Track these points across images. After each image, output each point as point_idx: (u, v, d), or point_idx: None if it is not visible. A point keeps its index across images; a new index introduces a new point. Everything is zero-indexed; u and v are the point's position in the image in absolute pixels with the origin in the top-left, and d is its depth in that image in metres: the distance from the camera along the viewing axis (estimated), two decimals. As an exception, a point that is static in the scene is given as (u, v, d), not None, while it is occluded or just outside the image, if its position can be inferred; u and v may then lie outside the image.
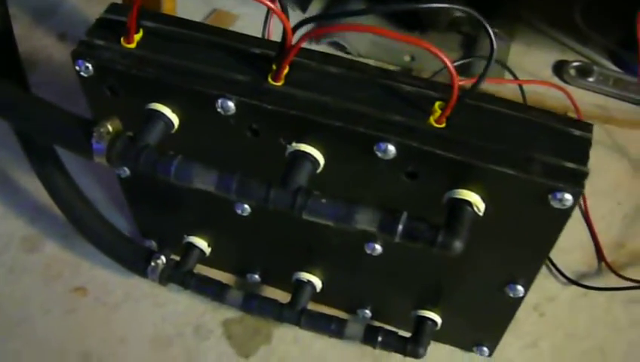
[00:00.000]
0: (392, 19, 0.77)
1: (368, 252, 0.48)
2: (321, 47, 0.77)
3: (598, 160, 0.67)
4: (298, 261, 0.53)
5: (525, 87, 0.68)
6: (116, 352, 0.56)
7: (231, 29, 0.51)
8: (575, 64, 0.74)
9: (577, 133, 0.39)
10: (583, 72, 0.74)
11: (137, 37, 0.43)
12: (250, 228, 0.52)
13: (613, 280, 0.59)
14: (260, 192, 0.39)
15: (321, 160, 0.41)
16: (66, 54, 0.80)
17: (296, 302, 0.52)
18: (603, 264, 0.61)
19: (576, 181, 0.37)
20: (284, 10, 0.39)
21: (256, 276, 0.58)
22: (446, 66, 0.36)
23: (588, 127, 0.39)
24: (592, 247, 0.62)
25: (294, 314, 0.52)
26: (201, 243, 0.55)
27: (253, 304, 0.53)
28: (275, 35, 0.44)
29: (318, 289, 0.54)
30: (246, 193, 0.39)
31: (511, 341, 0.56)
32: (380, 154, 0.39)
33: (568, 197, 0.37)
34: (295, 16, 0.72)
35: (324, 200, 0.38)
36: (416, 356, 0.51)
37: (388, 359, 0.55)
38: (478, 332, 0.53)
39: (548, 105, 0.68)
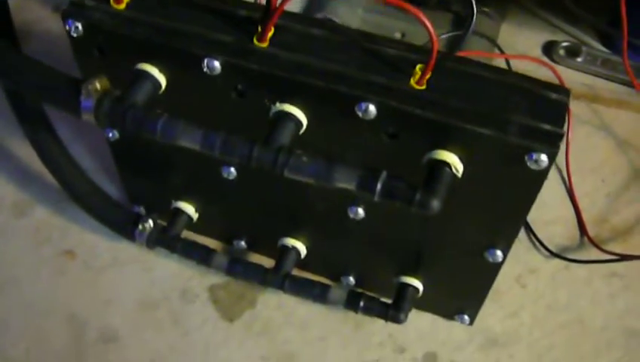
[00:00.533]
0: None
1: (351, 216, 0.48)
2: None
3: (585, 138, 0.69)
4: (283, 227, 0.54)
5: (513, 65, 0.68)
6: (102, 314, 0.57)
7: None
8: (564, 44, 0.75)
9: (554, 96, 0.39)
10: (572, 52, 0.74)
11: (127, -1, 0.44)
12: (236, 193, 0.53)
13: (594, 255, 0.60)
14: (244, 150, 0.39)
15: (304, 120, 0.41)
16: (61, 26, 0.81)
17: (280, 266, 0.53)
18: (585, 238, 0.62)
19: (551, 142, 0.37)
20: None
21: (243, 243, 0.59)
22: (425, 26, 0.36)
23: (565, 91, 0.40)
24: (575, 222, 0.63)
25: (278, 279, 0.53)
26: (189, 209, 0.56)
27: (238, 268, 0.54)
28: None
29: (302, 256, 0.55)
30: (230, 151, 0.40)
31: (492, 310, 0.57)
32: (361, 115, 0.39)
33: (544, 158, 0.38)
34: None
35: (305, 159, 0.39)
36: (397, 321, 0.52)
37: (370, 325, 0.56)
38: (459, 300, 0.54)
39: (536, 83, 0.69)
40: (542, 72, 0.68)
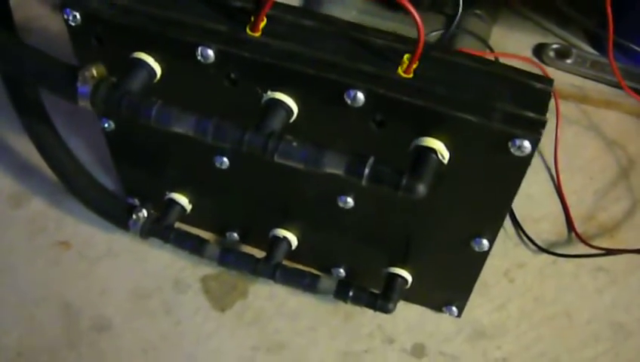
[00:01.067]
0: (377, -2, 0.79)
1: (340, 205, 0.49)
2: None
3: (574, 137, 0.70)
4: (275, 218, 0.55)
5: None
6: (96, 303, 0.57)
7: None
8: (554, 46, 0.76)
9: (538, 85, 0.41)
10: (562, 54, 0.76)
11: (123, -12, 0.45)
12: (228, 184, 0.54)
13: (582, 250, 0.61)
14: (235, 135, 0.40)
15: (295, 108, 0.43)
16: (60, 24, 0.82)
17: (271, 256, 0.54)
18: (573, 234, 0.63)
19: (534, 129, 0.39)
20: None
21: (235, 234, 0.60)
22: (412, 15, 0.38)
23: (548, 81, 0.41)
24: (563, 219, 0.64)
25: (269, 268, 0.54)
26: (182, 200, 0.57)
27: (230, 258, 0.55)
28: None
29: (293, 246, 0.56)
30: (222, 136, 0.41)
31: (480, 303, 0.58)
32: (349, 102, 0.41)
33: (527, 144, 0.39)
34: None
35: (294, 144, 0.40)
36: (386, 311, 0.53)
37: (360, 316, 0.57)
38: (447, 291, 0.55)
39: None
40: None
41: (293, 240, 0.55)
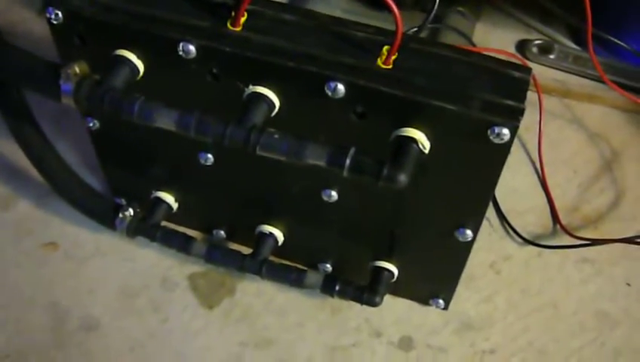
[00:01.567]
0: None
1: (325, 199, 0.50)
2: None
3: (557, 131, 0.71)
4: (260, 214, 0.55)
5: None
6: (84, 302, 0.57)
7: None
8: (537, 42, 0.77)
9: (517, 74, 0.41)
10: (545, 49, 0.77)
11: (105, -13, 0.45)
12: (214, 181, 0.54)
13: (566, 241, 0.61)
14: (218, 129, 0.41)
15: (277, 102, 0.43)
16: (45, 28, 0.82)
17: (258, 252, 0.54)
18: (558, 226, 0.63)
19: (513, 116, 0.39)
20: (242, -42, 0.41)
21: (222, 232, 0.60)
22: (390, 9, 0.38)
23: (527, 70, 0.41)
24: (548, 211, 0.65)
25: (256, 264, 0.54)
26: (169, 198, 0.57)
27: (217, 254, 0.55)
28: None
29: (280, 242, 0.56)
30: (204, 130, 0.41)
31: (467, 296, 0.58)
32: (330, 94, 0.41)
33: (506, 131, 0.39)
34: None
35: (276, 136, 0.40)
36: (373, 304, 0.53)
37: (347, 311, 0.57)
38: (433, 284, 0.56)
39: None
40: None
41: (280, 236, 0.56)
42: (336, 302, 0.57)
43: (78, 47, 0.46)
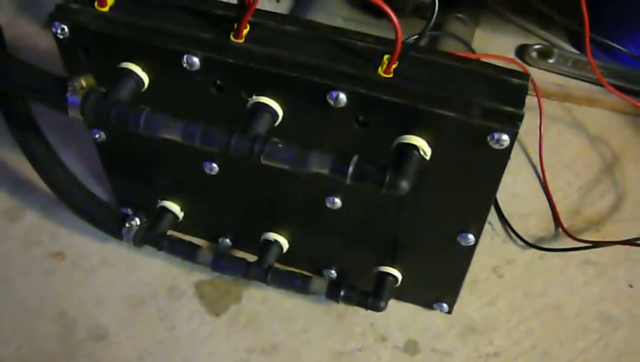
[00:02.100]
0: (360, 5, 0.81)
1: (329, 206, 0.50)
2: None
3: (558, 135, 0.72)
4: (265, 222, 0.56)
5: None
6: (92, 312, 0.58)
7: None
8: (536, 47, 0.78)
9: (515, 81, 0.42)
10: (544, 54, 0.77)
11: (110, 1, 0.46)
12: (219, 190, 0.55)
13: (569, 244, 0.62)
14: (222, 139, 0.42)
15: (280, 112, 0.44)
16: (49, 42, 0.83)
17: (263, 259, 0.55)
18: (560, 229, 0.64)
19: (512, 122, 0.40)
20: (244, -28, 0.42)
21: (227, 240, 0.60)
22: (390, 18, 0.39)
23: (525, 76, 0.42)
24: (550, 215, 0.65)
25: (261, 271, 0.55)
26: (174, 208, 0.58)
27: (223, 263, 0.55)
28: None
29: (284, 250, 0.56)
30: (209, 140, 0.42)
31: (470, 299, 0.59)
32: (332, 103, 0.42)
33: (505, 137, 0.40)
34: None
35: (280, 145, 0.41)
36: (377, 309, 0.54)
37: (352, 316, 0.58)
38: (437, 288, 0.56)
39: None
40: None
41: (284, 243, 0.56)
42: (341, 307, 0.58)
43: (84, 60, 0.47)
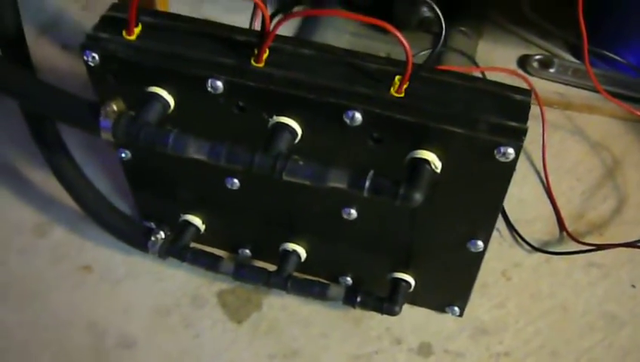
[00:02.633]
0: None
1: (345, 217, 0.53)
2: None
3: (560, 142, 0.75)
4: (284, 233, 0.59)
5: (491, 78, 0.74)
6: (120, 322, 0.61)
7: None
8: (537, 57, 0.81)
9: (518, 97, 0.45)
10: (545, 64, 0.80)
11: (137, 30, 0.49)
12: (239, 203, 0.58)
13: (573, 247, 0.65)
14: (246, 158, 0.44)
15: (299, 130, 0.47)
16: (69, 63, 0.87)
17: (283, 269, 0.58)
18: (564, 233, 0.67)
19: (517, 137, 0.43)
20: (264, 1, 0.45)
21: (247, 250, 0.63)
22: (399, 41, 0.42)
23: (527, 93, 0.45)
24: (554, 219, 0.68)
25: (281, 280, 0.58)
26: (196, 221, 0.61)
27: (244, 272, 0.58)
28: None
29: (302, 259, 0.59)
30: (234, 159, 0.45)
31: (480, 302, 0.62)
32: (348, 122, 0.45)
33: (511, 151, 0.43)
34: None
35: (300, 163, 0.44)
36: (392, 313, 0.56)
37: (368, 321, 0.61)
38: (448, 292, 0.59)
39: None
40: (518, 84, 0.75)
41: (302, 253, 0.59)
42: (357, 312, 0.61)
43: (113, 84, 0.50)
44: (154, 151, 0.46)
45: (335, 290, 0.57)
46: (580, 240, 0.65)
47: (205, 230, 0.62)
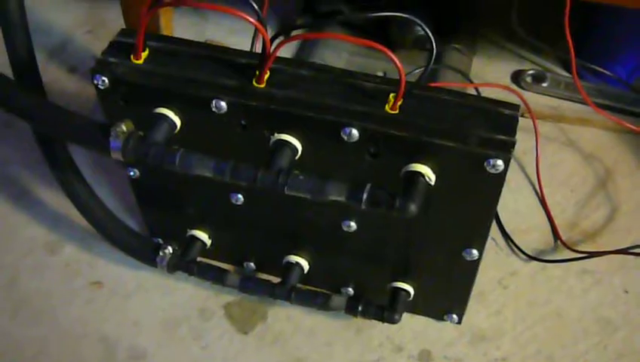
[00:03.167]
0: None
1: (345, 229, 0.56)
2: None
3: (553, 154, 0.77)
4: (287, 246, 0.61)
5: (485, 94, 0.76)
6: (131, 335, 0.63)
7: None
8: (530, 72, 0.84)
9: (507, 112, 0.47)
10: (538, 78, 0.83)
11: (144, 54, 0.51)
12: (244, 218, 0.60)
13: (567, 255, 0.67)
14: (250, 174, 0.47)
15: (299, 146, 0.49)
16: (76, 85, 0.90)
17: (286, 280, 0.60)
18: (559, 242, 0.69)
19: (506, 149, 0.45)
20: (264, 25, 0.48)
21: (252, 264, 0.66)
22: (392, 61, 0.44)
23: (515, 107, 0.47)
24: (549, 229, 0.70)
25: (285, 291, 0.60)
26: (203, 236, 0.63)
27: (250, 284, 0.61)
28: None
29: (305, 271, 0.62)
30: (238, 176, 0.47)
31: (478, 309, 0.64)
32: (345, 138, 0.47)
33: (500, 163, 0.45)
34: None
35: (301, 177, 0.46)
36: (393, 322, 0.58)
37: (370, 329, 0.63)
38: (446, 301, 0.61)
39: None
40: (510, 98, 0.77)
41: (305, 265, 0.61)
42: (359, 321, 0.63)
43: (122, 106, 0.53)
44: (161, 170, 0.49)
45: (337, 300, 0.59)
46: (574, 248, 0.67)
47: (211, 244, 0.64)
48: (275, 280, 0.62)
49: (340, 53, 0.85)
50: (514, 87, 0.83)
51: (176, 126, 0.51)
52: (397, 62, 0.44)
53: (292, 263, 0.61)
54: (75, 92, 0.87)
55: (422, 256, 0.57)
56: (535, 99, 0.81)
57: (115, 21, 0.88)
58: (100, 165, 0.74)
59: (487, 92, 0.77)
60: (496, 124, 0.46)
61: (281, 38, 0.49)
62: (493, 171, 0.45)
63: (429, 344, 0.62)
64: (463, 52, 0.84)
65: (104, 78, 0.51)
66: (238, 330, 0.63)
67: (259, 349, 0.62)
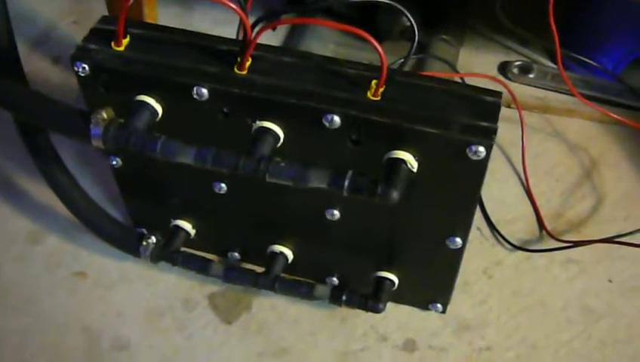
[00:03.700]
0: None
1: (328, 217, 0.55)
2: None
3: (539, 144, 0.77)
4: (271, 235, 0.61)
5: (471, 84, 0.76)
6: (114, 325, 0.63)
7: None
8: (517, 63, 0.83)
9: (490, 99, 0.47)
10: (524, 69, 0.83)
11: (125, 41, 0.51)
12: (227, 207, 0.60)
13: (552, 245, 0.67)
14: (231, 161, 0.47)
15: (281, 134, 0.49)
16: (60, 76, 0.89)
17: (270, 270, 0.60)
18: (544, 232, 0.69)
19: (488, 136, 0.45)
20: (244, 11, 0.48)
21: (236, 253, 0.65)
22: (373, 46, 0.44)
23: (498, 95, 0.47)
24: (534, 219, 0.70)
25: (269, 281, 0.59)
26: (187, 226, 0.63)
27: (233, 274, 0.60)
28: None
29: (289, 260, 0.61)
30: (219, 163, 0.47)
31: (462, 299, 0.64)
32: (327, 125, 0.47)
33: (482, 149, 0.45)
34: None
35: (283, 164, 0.46)
36: (377, 311, 0.58)
37: (354, 319, 0.63)
38: (431, 290, 0.61)
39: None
40: (497, 88, 0.77)
41: (289, 254, 0.61)
42: (344, 311, 0.63)
43: (103, 93, 0.52)
44: (144, 158, 0.48)
45: (321, 290, 0.59)
46: (559, 238, 0.67)
47: (195, 234, 0.64)
48: (260, 269, 0.62)
49: (326, 44, 0.84)
50: (501, 77, 0.83)
51: (157, 113, 0.51)
52: (378, 47, 0.44)
53: (276, 253, 0.61)
54: (58, 82, 0.86)
55: (405, 245, 0.57)
56: (521, 90, 0.81)
57: (100, 11, 0.87)
58: (82, 156, 0.74)
59: (473, 83, 0.76)
60: (479, 111, 0.46)
61: (262, 24, 0.48)
62: (475, 158, 0.45)
63: (414, 333, 0.62)
64: (451, 43, 0.84)
65: (84, 65, 0.50)
66: (223, 320, 0.63)
67: (243, 339, 0.62)
